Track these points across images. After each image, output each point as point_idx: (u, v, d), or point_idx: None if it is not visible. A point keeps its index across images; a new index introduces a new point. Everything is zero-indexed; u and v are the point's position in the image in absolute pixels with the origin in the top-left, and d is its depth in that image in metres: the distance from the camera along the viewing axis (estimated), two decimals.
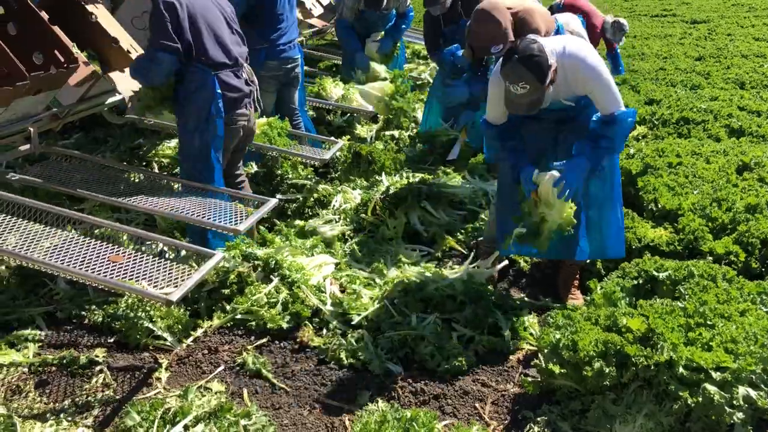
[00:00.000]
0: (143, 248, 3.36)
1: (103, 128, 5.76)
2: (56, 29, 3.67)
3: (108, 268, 3.10)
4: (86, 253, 3.18)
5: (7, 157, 3.86)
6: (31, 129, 3.87)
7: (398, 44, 7.19)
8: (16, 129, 3.74)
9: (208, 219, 3.62)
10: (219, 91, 3.70)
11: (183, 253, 3.37)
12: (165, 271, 3.18)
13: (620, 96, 3.20)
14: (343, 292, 3.59)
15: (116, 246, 3.30)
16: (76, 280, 3.13)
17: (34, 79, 3.32)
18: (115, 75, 4.30)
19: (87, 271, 3.04)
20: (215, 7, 3.82)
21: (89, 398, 2.80)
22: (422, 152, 5.57)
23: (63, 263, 3.06)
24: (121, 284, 2.99)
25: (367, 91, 5.90)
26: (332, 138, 5.39)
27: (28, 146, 3.94)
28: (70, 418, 2.67)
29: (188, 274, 3.13)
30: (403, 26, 7.03)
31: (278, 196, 4.47)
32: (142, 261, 3.23)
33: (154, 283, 3.07)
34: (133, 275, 3.10)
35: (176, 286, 3.02)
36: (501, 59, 3.15)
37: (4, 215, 3.36)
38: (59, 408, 2.75)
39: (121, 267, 3.13)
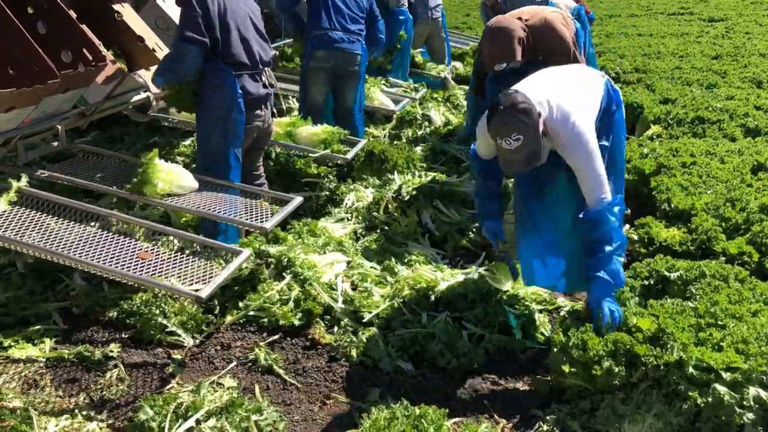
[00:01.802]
0: (170, 245, 3.39)
1: (119, 126, 5.82)
2: (84, 28, 3.72)
3: (137, 264, 3.13)
4: (115, 250, 3.21)
5: (36, 154, 3.92)
6: (59, 126, 3.92)
7: (397, 48, 7.04)
8: (45, 126, 3.79)
9: (234, 216, 3.64)
10: (240, 91, 3.74)
11: (210, 250, 3.39)
12: (193, 268, 3.20)
13: (604, 176, 2.96)
14: (354, 289, 3.62)
15: (144, 243, 3.33)
16: (106, 276, 3.16)
17: (64, 77, 3.37)
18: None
19: (117, 267, 3.07)
20: (244, 7, 3.87)
21: (104, 393, 2.85)
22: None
23: (93, 260, 3.09)
24: (151, 281, 3.02)
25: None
26: (355, 138, 5.37)
27: (56, 143, 4.00)
28: (84, 412, 2.71)
29: (216, 271, 3.16)
30: (398, 29, 6.79)
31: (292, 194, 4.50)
32: (169, 258, 3.26)
33: (183, 279, 3.09)
34: (161, 272, 3.12)
35: (205, 283, 3.05)
36: (487, 115, 2.98)
37: (32, 211, 3.39)
38: (74, 402, 2.79)
39: (150, 264, 3.17)
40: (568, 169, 3.06)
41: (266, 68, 3.99)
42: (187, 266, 3.22)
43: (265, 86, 3.94)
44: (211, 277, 3.10)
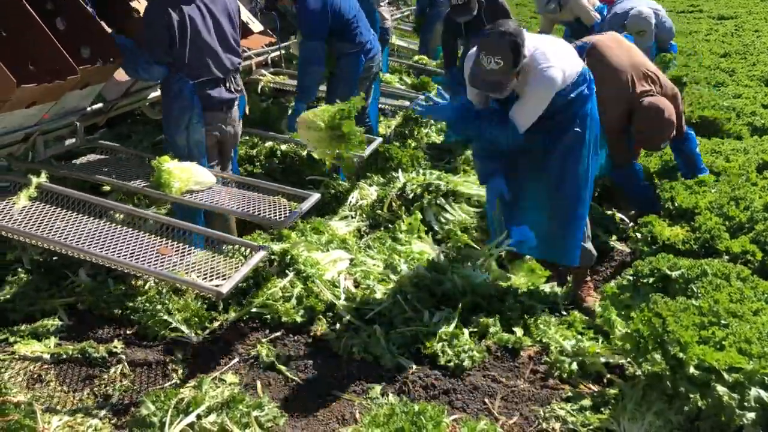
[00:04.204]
0: (189, 240, 3.39)
1: (126, 125, 5.86)
2: (102, 24, 3.75)
3: (158, 259, 3.14)
4: (135, 245, 3.21)
5: (55, 151, 3.94)
6: (77, 123, 3.95)
7: None
8: (64, 123, 3.81)
9: (252, 212, 3.62)
10: (197, 98, 3.72)
11: (228, 245, 3.38)
12: (212, 263, 3.20)
13: (529, 121, 3.25)
14: (357, 287, 3.63)
15: (163, 238, 3.33)
16: (127, 271, 3.18)
17: (84, 73, 3.39)
18: None
19: (138, 263, 3.08)
20: (215, 10, 3.78)
21: (107, 388, 2.88)
22: None
23: (114, 255, 3.09)
24: (172, 276, 3.02)
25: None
26: (370, 136, 5.35)
27: (75, 140, 4.03)
28: (88, 407, 2.75)
29: (235, 267, 3.16)
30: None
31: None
32: (188, 253, 3.26)
33: (202, 275, 3.09)
34: (181, 267, 3.12)
35: (224, 278, 3.06)
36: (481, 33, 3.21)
37: (51, 206, 3.39)
38: (78, 398, 2.83)
39: (170, 259, 3.17)
40: (544, 144, 3.36)
41: (232, 74, 3.94)
42: (207, 261, 3.22)
43: (229, 91, 3.90)
44: (230, 272, 3.11)
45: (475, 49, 3.20)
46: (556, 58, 3.20)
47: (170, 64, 3.70)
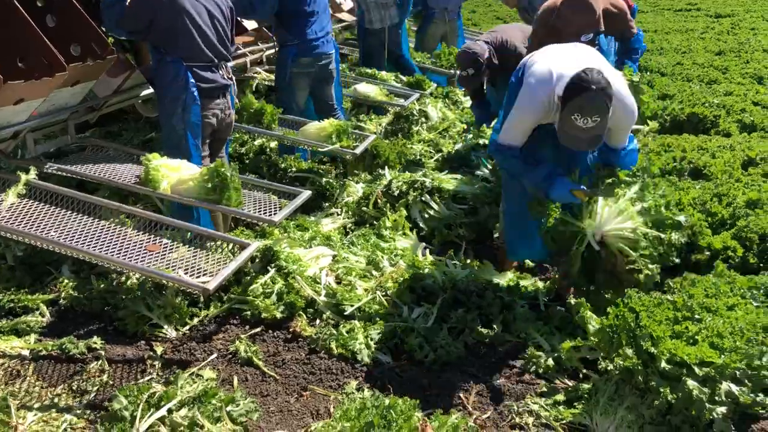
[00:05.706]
0: (178, 237, 3.41)
1: (117, 122, 5.87)
2: (92, 21, 3.77)
3: (145, 256, 3.17)
4: (123, 242, 3.24)
5: (45, 149, 3.95)
6: (68, 120, 3.96)
7: None
8: (54, 120, 3.82)
9: (243, 209, 3.64)
10: (192, 80, 3.78)
11: (217, 242, 3.41)
12: (200, 260, 3.22)
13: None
14: (339, 283, 3.64)
15: (152, 235, 3.37)
16: (115, 268, 3.21)
17: (73, 70, 3.41)
18: None
19: (125, 259, 3.10)
20: (209, 6, 3.86)
21: (85, 384, 2.88)
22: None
23: (102, 252, 3.12)
24: (159, 273, 3.04)
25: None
26: (363, 133, 5.35)
27: (65, 137, 4.05)
28: (64, 403, 2.76)
29: (223, 263, 3.18)
30: None
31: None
32: (176, 249, 3.28)
33: (190, 271, 3.11)
34: (169, 264, 3.14)
35: (211, 275, 3.08)
36: (565, 91, 2.91)
37: (39, 203, 3.41)
38: (55, 393, 2.83)
39: (158, 255, 3.19)
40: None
41: (224, 62, 4.02)
42: (194, 258, 3.24)
43: (223, 77, 3.97)
44: (216, 268, 3.13)
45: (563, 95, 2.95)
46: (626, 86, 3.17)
47: (156, 47, 3.77)
